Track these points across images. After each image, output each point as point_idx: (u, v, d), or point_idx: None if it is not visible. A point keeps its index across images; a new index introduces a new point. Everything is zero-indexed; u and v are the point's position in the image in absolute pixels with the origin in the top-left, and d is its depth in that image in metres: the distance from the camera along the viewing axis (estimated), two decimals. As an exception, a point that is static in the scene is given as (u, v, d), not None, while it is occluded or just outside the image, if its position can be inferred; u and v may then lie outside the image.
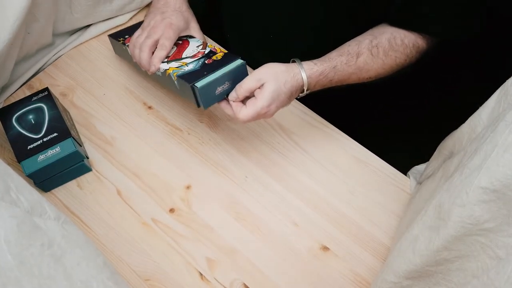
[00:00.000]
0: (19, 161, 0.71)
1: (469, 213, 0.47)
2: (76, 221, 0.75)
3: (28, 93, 0.85)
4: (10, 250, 0.35)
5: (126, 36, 0.83)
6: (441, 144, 0.69)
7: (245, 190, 0.77)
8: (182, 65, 0.70)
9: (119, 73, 0.89)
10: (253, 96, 0.65)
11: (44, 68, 0.90)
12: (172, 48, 0.73)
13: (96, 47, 0.92)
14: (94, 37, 0.93)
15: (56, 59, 0.91)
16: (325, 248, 0.73)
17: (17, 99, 0.78)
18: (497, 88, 0.56)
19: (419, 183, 0.72)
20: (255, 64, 0.87)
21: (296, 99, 0.85)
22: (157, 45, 0.71)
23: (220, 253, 0.72)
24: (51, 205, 0.48)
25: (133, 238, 0.73)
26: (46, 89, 0.78)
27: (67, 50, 0.91)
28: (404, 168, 0.80)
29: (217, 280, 0.70)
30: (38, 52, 0.88)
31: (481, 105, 0.58)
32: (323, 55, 0.76)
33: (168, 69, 0.70)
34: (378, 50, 0.68)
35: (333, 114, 0.85)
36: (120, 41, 0.82)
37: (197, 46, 0.74)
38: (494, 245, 0.47)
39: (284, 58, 0.81)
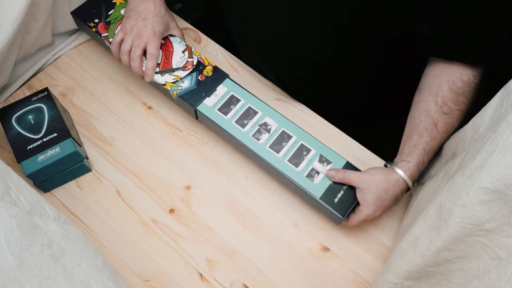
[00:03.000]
0: (19, 162, 0.70)
1: (470, 214, 0.47)
2: (76, 221, 0.75)
3: (28, 93, 0.85)
4: (10, 250, 0.35)
5: (96, 21, 0.85)
6: (444, 145, 0.69)
7: (245, 190, 0.77)
8: (177, 80, 0.77)
9: (119, 73, 0.89)
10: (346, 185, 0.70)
11: (44, 68, 0.89)
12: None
13: (96, 47, 0.92)
14: (94, 37, 0.93)
15: (56, 59, 0.90)
16: (325, 249, 0.73)
17: (17, 99, 0.78)
18: (499, 89, 0.56)
19: (421, 184, 0.72)
20: (261, 72, 0.88)
21: (296, 99, 0.86)
22: (144, 51, 0.77)
23: (220, 253, 0.72)
24: (51, 205, 0.48)
25: (133, 238, 0.73)
26: (46, 89, 0.78)
27: (67, 50, 0.91)
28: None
29: (217, 281, 0.70)
30: (38, 52, 0.88)
31: (483, 106, 0.58)
32: (330, 69, 0.76)
33: (165, 84, 0.77)
34: (449, 106, 0.66)
35: (333, 114, 0.85)
36: (91, 26, 0.84)
37: (183, 52, 0.80)
38: (495, 245, 0.47)
39: (290, 71, 0.81)
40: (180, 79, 0.77)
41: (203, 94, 0.76)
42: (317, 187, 0.69)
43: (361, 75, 0.79)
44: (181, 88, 0.76)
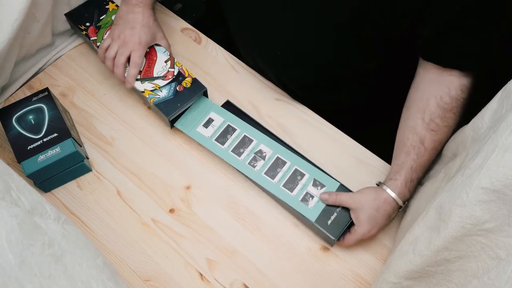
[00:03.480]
0: (19, 162, 0.71)
1: (469, 213, 0.47)
2: (76, 221, 0.75)
3: (28, 93, 0.85)
4: (11, 249, 0.35)
5: (87, 24, 0.87)
6: (445, 147, 0.69)
7: (245, 190, 0.77)
8: (156, 89, 0.79)
9: (119, 73, 0.89)
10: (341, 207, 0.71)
11: (44, 68, 0.89)
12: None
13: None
14: (94, 37, 0.93)
15: (56, 59, 0.90)
16: (325, 248, 0.73)
17: (17, 99, 0.78)
18: (499, 90, 0.56)
19: (421, 184, 0.72)
20: (262, 72, 0.88)
21: (296, 99, 0.86)
22: (128, 58, 0.79)
23: (220, 253, 0.72)
24: (51, 205, 0.48)
25: (133, 238, 0.73)
26: (46, 89, 0.78)
27: (67, 50, 0.91)
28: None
29: (217, 281, 0.70)
30: (38, 52, 0.88)
31: (483, 107, 0.58)
32: (330, 70, 0.76)
33: (144, 92, 0.79)
34: (436, 123, 0.66)
35: (333, 114, 0.85)
36: (82, 29, 0.87)
37: (165, 62, 0.82)
38: (495, 245, 0.47)
39: (290, 72, 0.81)
40: (159, 87, 0.79)
41: (179, 105, 0.77)
42: (312, 210, 0.71)
43: (361, 75, 0.79)
44: (158, 96, 0.78)
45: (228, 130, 0.78)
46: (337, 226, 0.70)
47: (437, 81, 0.66)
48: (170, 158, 0.80)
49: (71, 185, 0.78)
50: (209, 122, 0.79)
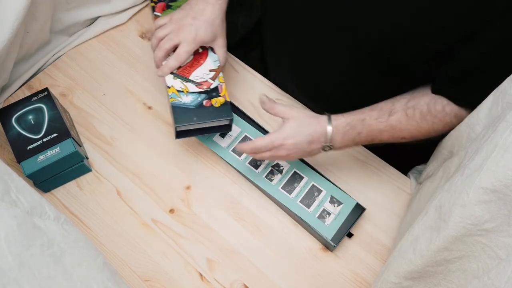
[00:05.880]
0: (19, 162, 0.71)
1: (469, 213, 0.47)
2: (76, 221, 0.75)
3: (28, 94, 0.85)
4: (10, 250, 0.35)
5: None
6: (439, 143, 0.69)
7: (245, 190, 0.77)
8: (182, 91, 0.71)
9: (119, 73, 0.89)
10: None
11: (44, 69, 0.89)
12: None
13: (96, 47, 0.92)
14: (94, 37, 0.93)
15: (55, 59, 0.90)
16: (325, 249, 0.73)
17: (17, 99, 0.78)
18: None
19: (420, 183, 0.72)
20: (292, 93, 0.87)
21: (298, 100, 0.86)
22: (175, 47, 0.71)
23: (220, 253, 0.72)
24: (51, 205, 0.48)
25: (133, 238, 0.73)
26: (46, 89, 0.78)
27: (67, 50, 0.91)
28: (404, 168, 0.80)
29: (217, 281, 0.70)
30: (38, 51, 0.88)
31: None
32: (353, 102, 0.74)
33: (170, 87, 0.71)
34: (414, 112, 0.64)
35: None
36: (153, 0, 0.85)
37: (210, 70, 0.74)
38: (495, 245, 0.47)
39: (319, 97, 0.80)
40: (186, 92, 0.71)
41: (195, 119, 0.69)
42: (329, 228, 0.71)
43: None
44: (179, 100, 0.70)
45: (245, 141, 0.76)
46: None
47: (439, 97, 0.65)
48: (170, 158, 0.80)
49: (71, 185, 0.78)
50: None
